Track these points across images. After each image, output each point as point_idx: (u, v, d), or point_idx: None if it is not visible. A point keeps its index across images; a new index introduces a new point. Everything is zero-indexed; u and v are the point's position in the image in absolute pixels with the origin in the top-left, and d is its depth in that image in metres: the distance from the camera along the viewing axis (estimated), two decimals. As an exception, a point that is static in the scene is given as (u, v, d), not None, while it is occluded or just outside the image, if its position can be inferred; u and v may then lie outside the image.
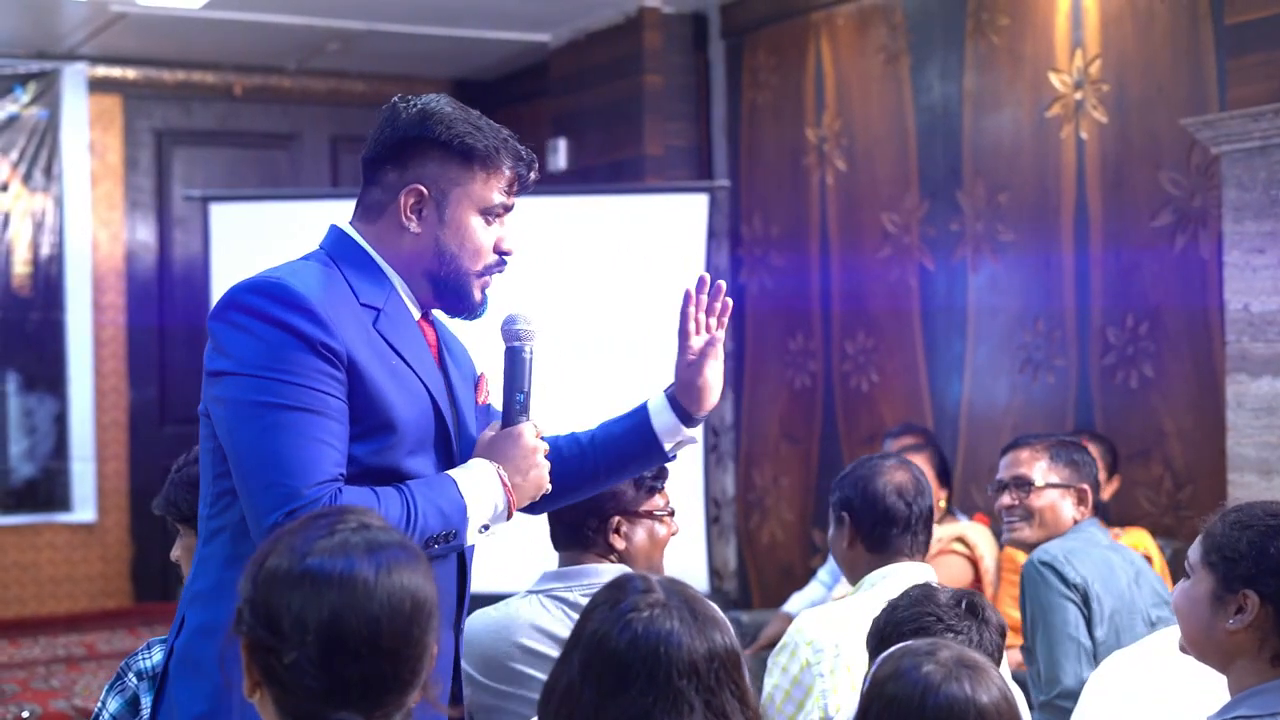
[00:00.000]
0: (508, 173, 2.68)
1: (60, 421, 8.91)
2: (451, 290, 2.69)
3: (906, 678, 2.23)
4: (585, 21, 8.21)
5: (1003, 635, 2.83)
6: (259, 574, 1.93)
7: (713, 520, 7.61)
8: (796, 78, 7.52)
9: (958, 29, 6.64)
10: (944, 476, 5.99)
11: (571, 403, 6.99)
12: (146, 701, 2.92)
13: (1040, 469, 4.07)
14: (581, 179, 8.25)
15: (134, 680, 2.94)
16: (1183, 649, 2.71)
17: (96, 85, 9.02)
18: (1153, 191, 5.83)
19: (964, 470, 6.60)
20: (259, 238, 7.60)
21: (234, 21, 8.11)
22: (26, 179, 8.82)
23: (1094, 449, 5.55)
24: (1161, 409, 5.82)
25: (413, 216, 2.64)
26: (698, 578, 6.96)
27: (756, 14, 7.76)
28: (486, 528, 2.61)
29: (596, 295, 7.19)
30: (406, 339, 2.63)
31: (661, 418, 2.90)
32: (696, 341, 2.92)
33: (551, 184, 8.40)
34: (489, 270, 2.71)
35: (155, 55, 9.05)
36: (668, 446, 2.91)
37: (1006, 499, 4.10)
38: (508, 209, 2.71)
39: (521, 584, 3.32)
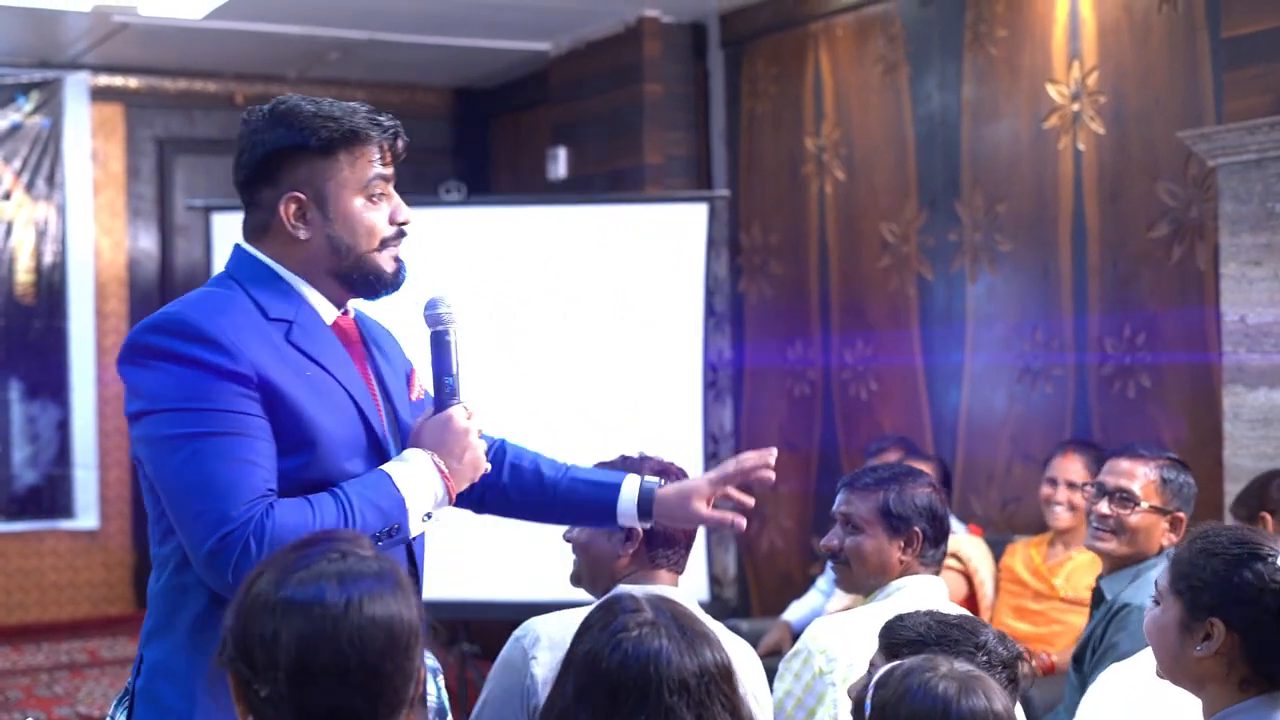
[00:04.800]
0: (374, 147, 2.67)
1: (63, 429, 8.94)
2: (361, 277, 2.69)
3: (918, 697, 2.25)
4: (585, 31, 8.24)
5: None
6: (241, 604, 1.94)
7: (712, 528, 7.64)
8: (795, 87, 7.56)
9: (956, 40, 6.67)
10: (946, 491, 6.03)
11: (572, 411, 7.03)
12: None
13: (1147, 487, 4.00)
14: (581, 188, 8.28)
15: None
16: (1159, 674, 2.74)
17: (99, 94, 9.05)
18: (1150, 203, 5.87)
19: (962, 479, 6.63)
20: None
21: (235, 31, 8.14)
22: (29, 187, 8.86)
23: (1080, 459, 5.58)
24: (1159, 419, 5.85)
25: (299, 224, 2.64)
26: (697, 585, 6.99)
27: (755, 24, 7.79)
28: (429, 516, 2.64)
29: (596, 304, 7.21)
30: (323, 347, 2.64)
31: (627, 501, 2.98)
32: (737, 495, 3.02)
33: (551, 193, 8.44)
34: (388, 244, 2.70)
35: (157, 64, 9.08)
36: (620, 522, 3.02)
37: (1103, 508, 4.03)
38: (387, 179, 2.70)
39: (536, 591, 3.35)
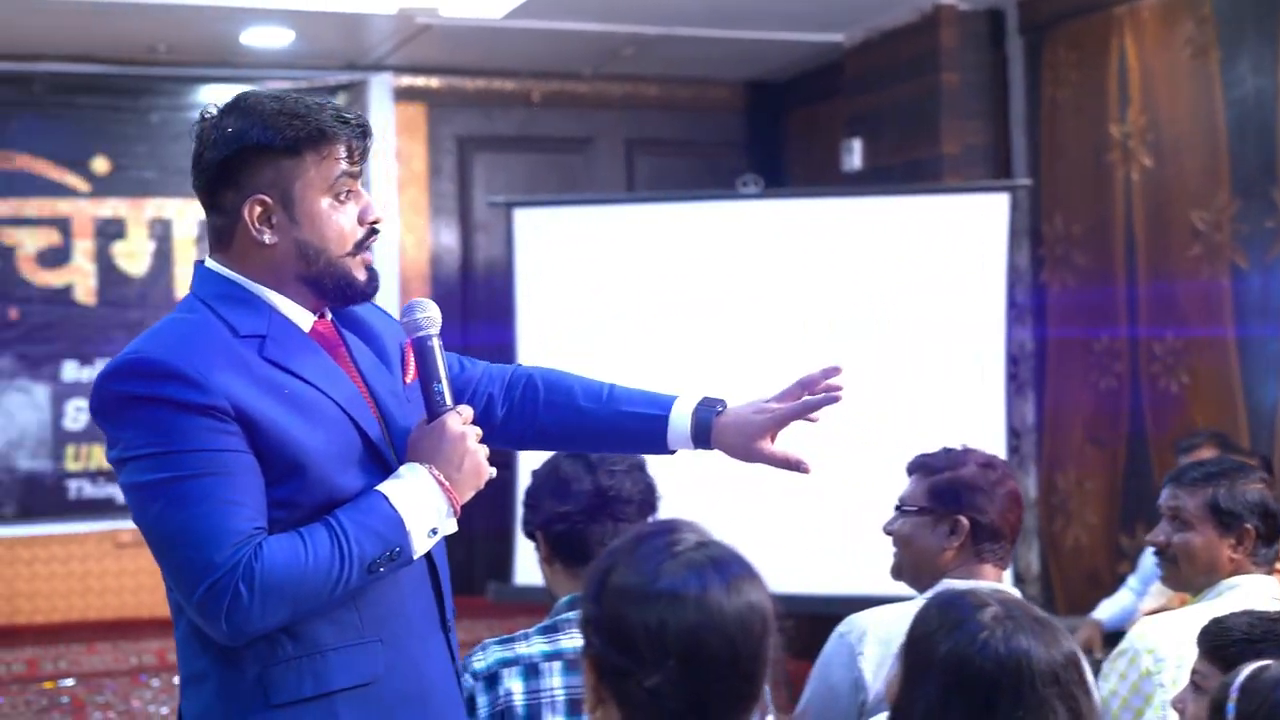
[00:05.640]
0: (340, 145, 2.50)
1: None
2: (332, 284, 2.54)
3: None
4: (880, 20, 8.18)
5: None
6: (603, 594, 1.92)
7: (1014, 523, 7.52)
8: (1099, 73, 7.38)
9: (1270, 21, 6.44)
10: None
11: (873, 404, 6.97)
12: (482, 701, 2.97)
13: None
14: (877, 179, 8.22)
15: (469, 680, 2.99)
16: None
17: (402, 94, 9.29)
18: None
19: (1281, 476, 6.41)
20: (558, 241, 7.76)
21: (533, 30, 8.28)
22: (336, 187, 9.12)
23: None
24: None
25: (263, 228, 2.48)
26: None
27: (1055, 9, 7.64)
28: (435, 531, 2.50)
29: (894, 296, 7.16)
30: (302, 358, 2.51)
31: (679, 426, 2.80)
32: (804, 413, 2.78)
33: (847, 185, 8.39)
34: (361, 247, 2.55)
35: (457, 64, 9.27)
36: (673, 449, 2.83)
37: None
38: (355, 176, 2.54)
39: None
